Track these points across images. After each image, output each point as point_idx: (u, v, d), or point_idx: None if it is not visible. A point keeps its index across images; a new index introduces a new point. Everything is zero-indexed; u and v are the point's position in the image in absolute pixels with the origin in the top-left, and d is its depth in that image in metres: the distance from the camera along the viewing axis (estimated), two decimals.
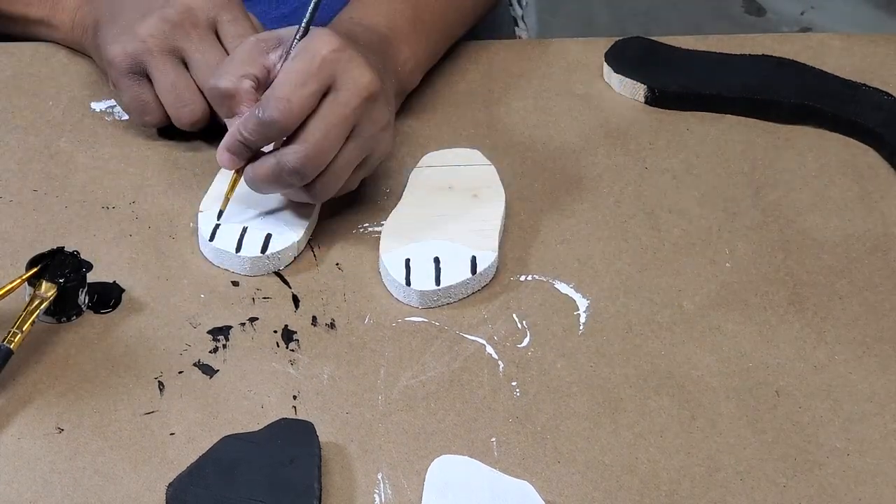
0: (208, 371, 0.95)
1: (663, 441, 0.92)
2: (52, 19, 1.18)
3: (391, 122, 1.02)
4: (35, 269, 0.96)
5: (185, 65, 1.08)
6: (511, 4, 1.47)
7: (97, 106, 1.14)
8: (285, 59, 1.00)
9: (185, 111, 1.07)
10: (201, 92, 1.07)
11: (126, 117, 1.13)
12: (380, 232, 1.05)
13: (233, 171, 1.02)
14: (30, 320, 0.94)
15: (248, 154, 1.00)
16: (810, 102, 1.16)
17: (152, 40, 1.06)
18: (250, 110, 0.98)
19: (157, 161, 1.10)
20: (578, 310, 1.01)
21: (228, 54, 1.06)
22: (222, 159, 1.01)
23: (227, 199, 1.03)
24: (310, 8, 1.00)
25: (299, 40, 1.00)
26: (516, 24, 1.49)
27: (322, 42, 0.98)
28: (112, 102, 1.15)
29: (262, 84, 1.00)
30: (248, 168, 1.00)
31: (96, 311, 0.98)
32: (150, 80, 1.08)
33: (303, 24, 1.01)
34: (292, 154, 0.98)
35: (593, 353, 0.98)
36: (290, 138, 0.98)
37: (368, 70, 0.99)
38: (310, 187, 1.00)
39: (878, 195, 1.11)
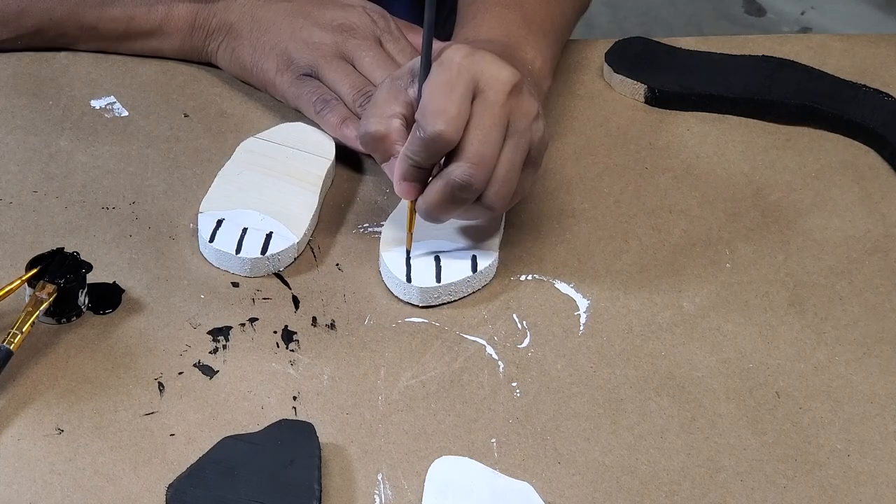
0: (208, 372, 0.95)
1: (663, 442, 0.92)
2: (165, 27, 1.16)
3: (540, 111, 1.00)
4: (35, 270, 0.96)
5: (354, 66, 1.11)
6: None
7: (97, 103, 1.14)
8: (420, 84, 0.98)
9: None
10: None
11: (125, 114, 1.13)
12: (380, 232, 1.04)
13: (409, 201, 1.01)
14: (29, 321, 0.94)
15: (424, 176, 0.98)
16: (810, 103, 1.16)
17: (325, 47, 1.10)
18: (411, 135, 0.97)
19: (157, 161, 1.10)
20: (578, 310, 1.01)
21: (391, 62, 1.10)
22: (401, 190, 0.99)
23: (410, 235, 1.02)
24: (424, 33, 0.97)
25: (425, 63, 0.98)
26: None
27: (452, 52, 0.97)
28: (112, 99, 1.15)
29: (409, 121, 0.99)
30: (420, 200, 0.99)
31: (96, 312, 0.98)
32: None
33: (423, 47, 0.98)
34: (457, 168, 0.96)
35: (593, 354, 0.98)
36: (452, 153, 0.97)
37: (505, 65, 0.98)
38: (485, 199, 0.98)
39: (879, 196, 1.11)
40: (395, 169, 0.98)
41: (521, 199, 1.01)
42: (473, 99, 0.96)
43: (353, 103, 1.09)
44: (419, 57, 0.98)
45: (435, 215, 0.99)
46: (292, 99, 1.12)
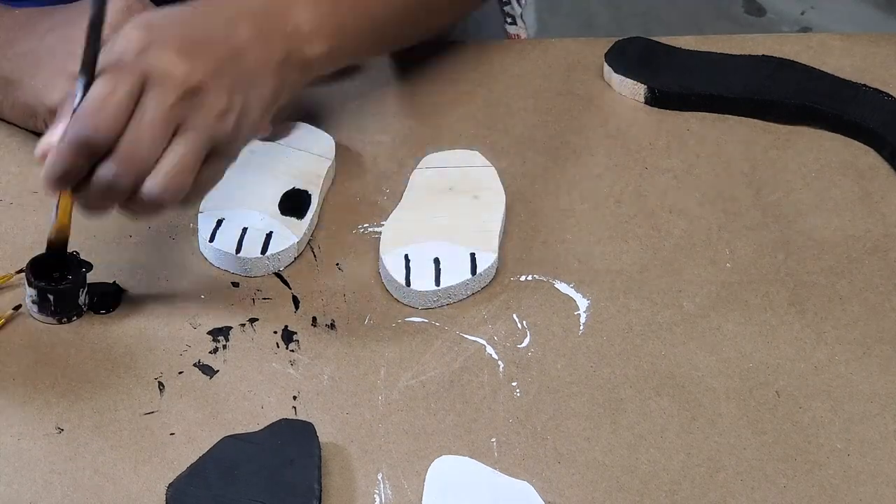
0: (208, 371, 0.95)
1: (663, 441, 0.92)
2: None
3: (234, 106, 0.94)
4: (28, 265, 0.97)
5: None
6: (509, 2, 1.47)
7: None
8: (81, 78, 0.92)
9: None
10: None
11: None
12: (380, 232, 1.04)
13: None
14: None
15: (73, 183, 0.92)
16: (810, 103, 1.16)
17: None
18: (60, 138, 0.91)
19: None
20: (578, 310, 1.01)
21: None
22: (46, 188, 0.92)
23: (58, 228, 0.96)
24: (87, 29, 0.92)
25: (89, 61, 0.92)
26: (514, 23, 1.49)
27: (126, 40, 0.92)
28: None
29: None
30: (80, 202, 0.93)
31: (96, 312, 0.98)
32: None
33: (86, 32, 0.91)
34: (102, 167, 0.90)
35: (593, 354, 0.98)
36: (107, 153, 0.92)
37: (184, 60, 0.92)
38: (145, 193, 0.91)
39: (879, 196, 1.11)
40: (44, 168, 0.92)
41: (211, 186, 0.96)
42: (142, 94, 0.91)
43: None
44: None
45: (92, 213, 0.94)
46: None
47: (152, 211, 0.93)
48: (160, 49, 0.92)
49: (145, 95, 0.91)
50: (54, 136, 0.91)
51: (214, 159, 0.94)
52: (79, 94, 0.91)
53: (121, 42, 0.92)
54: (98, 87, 0.91)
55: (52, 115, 1.01)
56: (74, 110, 0.91)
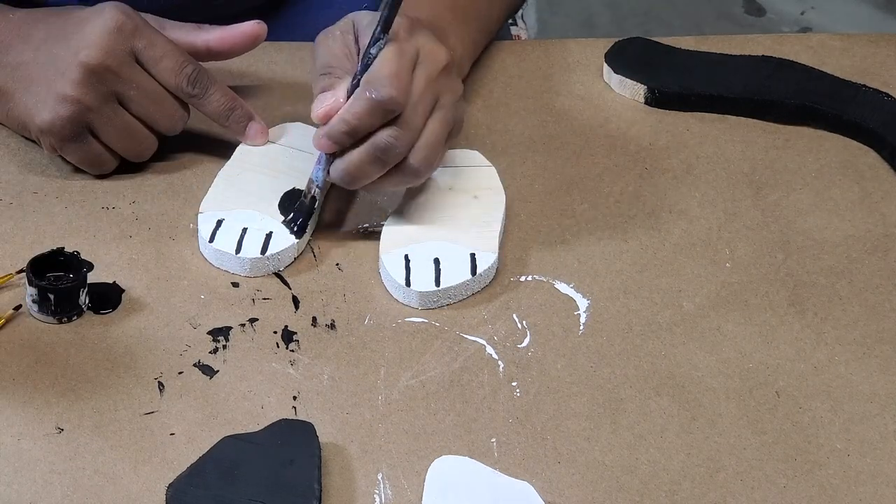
0: (208, 371, 0.95)
1: (663, 441, 0.92)
2: None
3: (462, 91, 1.04)
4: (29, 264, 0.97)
5: (122, 104, 1.05)
6: None
7: None
8: (367, 46, 0.99)
9: (142, 149, 1.07)
10: (147, 127, 1.06)
11: None
12: (380, 232, 1.04)
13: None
14: None
15: (349, 143, 0.99)
16: (810, 103, 1.16)
17: (86, 96, 1.03)
18: (353, 98, 0.98)
19: (157, 161, 1.10)
20: (578, 310, 1.01)
21: (157, 80, 1.04)
22: (321, 144, 1.00)
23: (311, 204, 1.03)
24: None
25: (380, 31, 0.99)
26: (514, 24, 1.49)
27: (397, 23, 0.99)
28: None
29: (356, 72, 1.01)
30: (339, 161, 1.00)
31: (96, 311, 0.98)
32: (92, 134, 1.05)
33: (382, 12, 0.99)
34: (388, 135, 0.98)
35: (593, 354, 0.98)
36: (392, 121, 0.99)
37: (441, 44, 1.02)
38: (409, 163, 1.00)
39: (879, 196, 1.11)
40: (328, 125, 0.99)
41: (431, 171, 1.03)
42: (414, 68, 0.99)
43: (126, 152, 1.07)
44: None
45: (353, 176, 1.00)
46: (62, 159, 1.08)
47: (407, 182, 1.02)
48: (422, 31, 1.01)
49: (419, 67, 1.00)
50: (339, 94, 0.99)
51: (449, 140, 1.03)
52: (373, 52, 0.98)
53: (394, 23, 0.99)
54: (390, 55, 0.98)
55: (43, 133, 1.03)
56: (358, 74, 0.98)
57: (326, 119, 0.99)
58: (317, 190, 1.03)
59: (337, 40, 1.04)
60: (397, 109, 0.98)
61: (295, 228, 1.03)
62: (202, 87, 1.06)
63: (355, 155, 0.99)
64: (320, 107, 1.00)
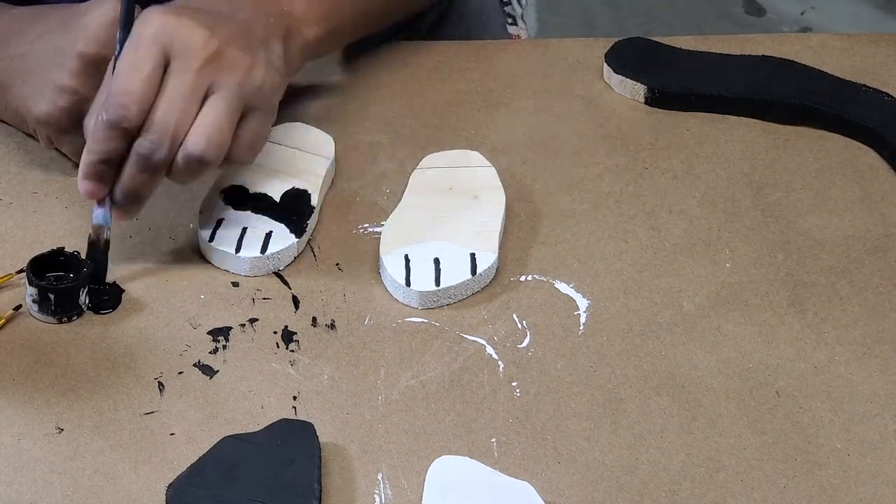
0: (208, 371, 0.95)
1: (663, 441, 0.92)
2: None
3: (258, 60, 0.98)
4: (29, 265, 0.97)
5: None
6: (510, 3, 1.47)
7: None
8: (116, 57, 0.97)
9: None
10: None
11: None
12: (380, 232, 1.05)
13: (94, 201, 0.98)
14: None
15: (111, 172, 0.96)
16: (810, 103, 1.16)
17: (84, 87, 1.02)
18: (94, 126, 0.94)
19: None
20: (578, 310, 1.01)
21: None
22: (85, 189, 0.96)
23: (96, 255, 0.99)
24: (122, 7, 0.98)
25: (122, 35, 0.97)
26: (514, 24, 1.49)
27: (144, 24, 0.96)
28: None
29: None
30: (117, 188, 0.96)
31: (96, 312, 0.98)
32: None
33: (121, 19, 0.98)
34: (144, 141, 0.94)
35: (593, 354, 0.98)
36: (141, 129, 0.95)
37: (200, 29, 0.96)
38: (186, 149, 0.95)
39: (879, 196, 1.11)
40: (80, 166, 0.96)
41: (259, 147, 1.00)
42: (168, 67, 0.95)
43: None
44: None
45: (136, 193, 0.97)
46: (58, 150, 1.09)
47: (197, 172, 0.97)
48: (177, 24, 0.96)
49: (170, 68, 0.95)
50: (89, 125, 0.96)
51: (251, 116, 0.98)
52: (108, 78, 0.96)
53: (138, 25, 0.96)
54: (122, 66, 0.95)
55: (40, 124, 1.03)
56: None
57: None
58: (108, 232, 0.98)
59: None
60: (134, 124, 0.94)
61: (97, 283, 0.99)
62: None
63: (126, 173, 0.96)
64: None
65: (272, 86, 1.00)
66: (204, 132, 0.95)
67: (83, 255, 0.99)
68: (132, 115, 0.94)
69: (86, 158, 0.95)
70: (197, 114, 0.96)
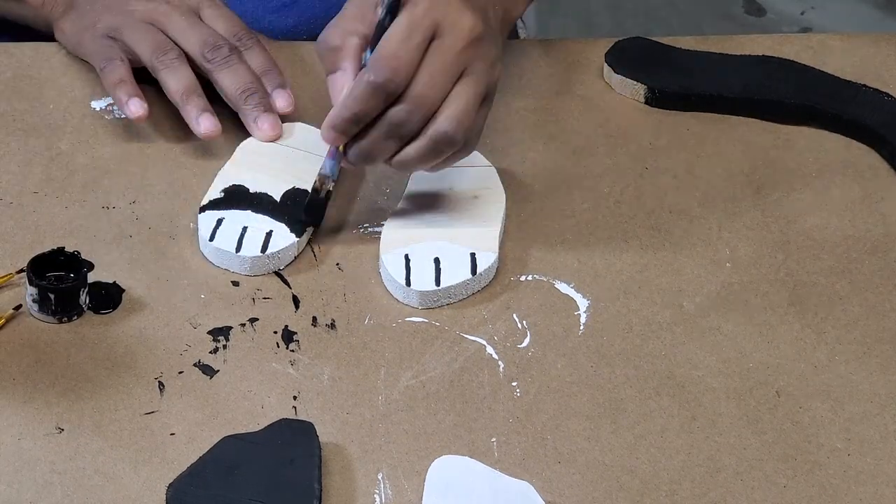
0: (208, 371, 0.95)
1: (664, 441, 0.92)
2: None
3: (499, 56, 1.02)
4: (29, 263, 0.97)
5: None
6: None
7: (97, 104, 1.14)
8: (384, 13, 0.99)
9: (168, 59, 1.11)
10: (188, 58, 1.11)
11: (125, 115, 1.13)
12: (380, 232, 1.04)
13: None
14: None
15: (356, 129, 0.99)
16: (811, 103, 1.16)
17: (135, 13, 1.11)
18: (356, 80, 0.98)
19: (157, 161, 1.10)
20: (578, 310, 1.01)
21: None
22: (328, 136, 1.00)
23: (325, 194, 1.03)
24: None
25: None
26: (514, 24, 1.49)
27: None
28: (112, 100, 1.15)
29: (370, 40, 1.00)
30: (356, 145, 1.00)
31: (96, 312, 0.98)
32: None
33: None
34: (396, 108, 0.97)
35: (593, 354, 0.98)
36: (398, 98, 0.98)
37: (469, 12, 0.99)
38: (437, 126, 0.98)
39: (879, 196, 1.11)
40: (330, 114, 0.99)
41: (479, 135, 1.02)
42: (432, 41, 0.98)
43: (151, 59, 1.11)
44: None
45: (371, 155, 1.00)
46: (89, 56, 1.14)
47: (439, 154, 0.99)
48: (449, 1, 0.99)
49: (436, 43, 0.98)
50: (349, 75, 0.99)
51: (485, 105, 1.01)
52: (385, 23, 0.97)
53: None
54: (395, 32, 0.97)
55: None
56: (368, 48, 0.98)
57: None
58: (331, 183, 1.03)
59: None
60: (397, 90, 0.97)
61: (311, 222, 1.03)
62: (222, 58, 1.09)
63: (371, 136, 0.99)
64: (332, 91, 1.00)
65: (498, 81, 1.03)
66: (456, 113, 0.98)
67: (82, 255, 0.99)
68: (399, 80, 0.96)
69: (340, 112, 0.98)
70: (449, 93, 0.98)
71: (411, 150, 0.99)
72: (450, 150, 0.99)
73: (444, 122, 0.98)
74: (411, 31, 0.97)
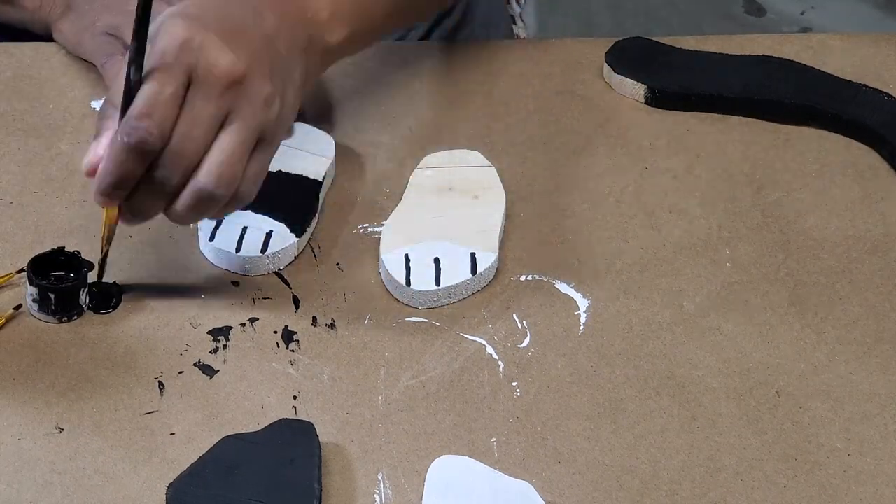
0: (208, 371, 0.95)
1: (664, 441, 0.92)
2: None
3: (276, 92, 0.94)
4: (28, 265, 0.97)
5: None
6: (508, 2, 1.47)
7: (97, 104, 1.14)
8: (127, 66, 0.92)
9: None
10: None
11: None
12: (380, 232, 1.05)
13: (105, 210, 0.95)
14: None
15: (124, 191, 0.92)
16: (811, 103, 1.16)
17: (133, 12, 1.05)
18: (111, 142, 0.91)
19: None
20: (578, 310, 1.01)
21: None
22: (98, 200, 0.93)
23: (105, 253, 0.98)
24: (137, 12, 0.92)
25: (137, 43, 0.92)
26: (514, 23, 1.49)
27: (169, 34, 0.92)
28: None
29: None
30: (126, 205, 0.93)
31: (96, 312, 0.98)
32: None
33: (133, 28, 0.91)
34: (158, 170, 0.91)
35: (593, 354, 0.98)
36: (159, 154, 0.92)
37: (226, 52, 0.92)
38: (197, 182, 0.92)
39: (879, 196, 1.11)
40: (96, 180, 0.92)
41: (260, 181, 0.95)
42: (189, 86, 0.92)
43: None
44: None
45: (145, 214, 0.94)
46: (89, 55, 1.14)
47: (204, 209, 0.93)
48: (202, 42, 0.92)
49: (192, 90, 0.91)
50: (100, 148, 0.92)
51: (261, 148, 0.94)
52: (133, 77, 0.91)
53: (163, 37, 0.92)
54: (145, 87, 0.91)
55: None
56: (121, 114, 0.91)
57: (93, 173, 0.92)
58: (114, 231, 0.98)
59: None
60: (154, 149, 0.90)
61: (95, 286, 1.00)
62: None
63: (138, 194, 0.93)
64: (87, 160, 0.92)
65: (283, 119, 0.96)
66: (214, 166, 0.92)
67: (82, 255, 0.99)
68: (154, 141, 0.90)
69: (102, 175, 0.91)
70: (212, 142, 0.93)
71: (177, 206, 0.93)
72: (214, 204, 0.93)
73: (202, 177, 0.92)
74: (162, 83, 0.90)
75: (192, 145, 0.91)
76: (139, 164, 0.91)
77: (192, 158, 0.91)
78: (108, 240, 0.97)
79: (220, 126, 0.92)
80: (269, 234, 1.02)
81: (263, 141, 0.94)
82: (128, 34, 1.07)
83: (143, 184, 0.92)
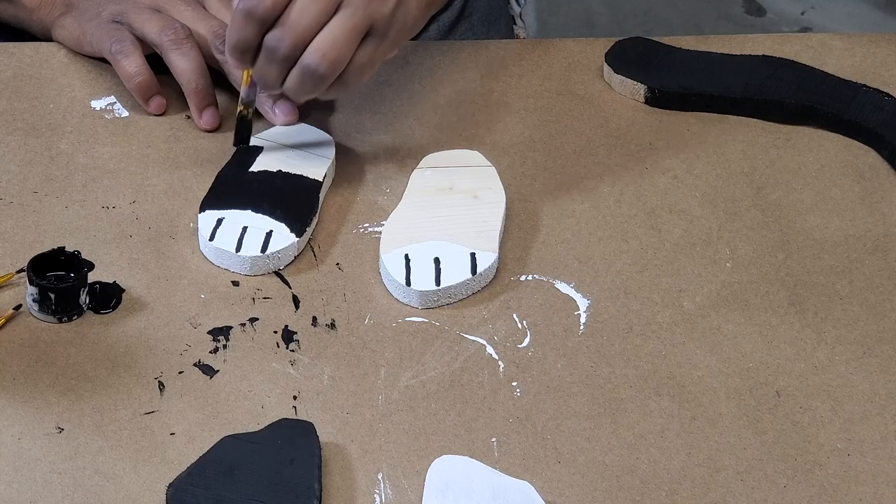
0: (208, 371, 0.95)
1: (664, 441, 0.92)
2: None
3: None
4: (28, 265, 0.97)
5: None
6: (508, 2, 1.47)
7: (97, 104, 1.14)
8: None
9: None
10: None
11: (126, 114, 1.13)
12: (380, 232, 1.05)
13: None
14: None
15: (246, 55, 1.01)
16: (811, 103, 1.16)
17: (140, 2, 1.12)
18: (234, 9, 0.99)
19: (157, 161, 1.10)
20: (579, 310, 1.01)
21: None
22: (230, 62, 1.03)
23: (238, 114, 1.07)
24: None
25: None
26: (514, 22, 1.49)
27: None
28: (112, 99, 1.15)
29: None
30: (254, 72, 1.03)
31: (96, 312, 0.98)
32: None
33: None
34: (271, 35, 0.99)
35: (593, 353, 0.98)
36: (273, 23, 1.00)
37: None
38: (304, 57, 0.99)
39: (879, 196, 1.11)
40: (226, 44, 1.02)
41: (368, 73, 1.03)
42: None
43: (160, 37, 1.11)
44: None
45: (263, 82, 1.02)
46: (96, 43, 1.15)
47: (311, 86, 1.00)
48: None
49: None
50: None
51: (370, 41, 1.01)
52: None
53: None
54: None
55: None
56: None
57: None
58: (251, 109, 1.08)
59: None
60: (266, 16, 0.98)
61: (238, 142, 1.08)
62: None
63: (258, 61, 1.01)
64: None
65: (399, 19, 1.02)
66: (322, 47, 0.98)
67: (82, 255, 0.99)
68: (266, 6, 0.97)
69: (227, 40, 1.01)
70: (326, 22, 0.98)
71: (288, 80, 1.01)
72: (318, 83, 1.00)
73: (309, 53, 0.99)
74: None
75: (305, 20, 0.98)
76: (254, 29, 0.99)
77: (304, 33, 0.98)
78: (240, 101, 1.07)
79: (336, 11, 0.98)
80: (269, 234, 1.02)
81: (374, 32, 1.00)
82: (134, 20, 1.10)
83: (261, 53, 1.00)
